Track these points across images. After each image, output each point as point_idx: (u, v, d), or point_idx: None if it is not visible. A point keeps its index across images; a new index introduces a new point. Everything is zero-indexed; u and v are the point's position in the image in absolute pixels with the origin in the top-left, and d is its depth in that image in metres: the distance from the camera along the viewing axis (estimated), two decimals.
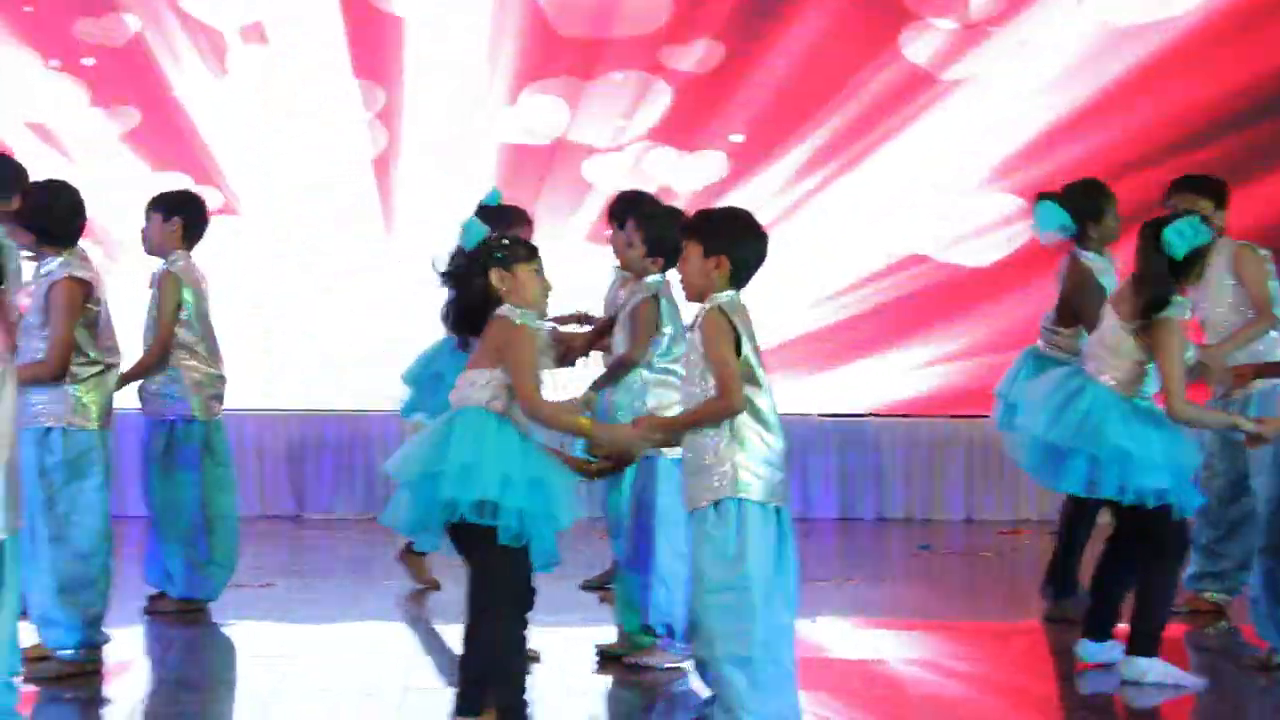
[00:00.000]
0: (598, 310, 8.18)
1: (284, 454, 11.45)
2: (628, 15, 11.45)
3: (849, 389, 11.74)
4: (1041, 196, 8.07)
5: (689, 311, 6.08)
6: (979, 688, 7.23)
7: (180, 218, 8.16)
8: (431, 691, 6.53)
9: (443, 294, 6.02)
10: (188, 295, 8.14)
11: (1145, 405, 6.94)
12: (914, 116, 11.56)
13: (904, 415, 11.77)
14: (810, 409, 11.53)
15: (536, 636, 6.15)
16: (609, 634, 7.42)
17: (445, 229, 6.20)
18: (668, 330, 7.10)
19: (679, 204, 9.26)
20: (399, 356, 8.42)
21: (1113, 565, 7.25)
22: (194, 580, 8.22)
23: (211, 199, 9.93)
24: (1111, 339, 6.97)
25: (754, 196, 11.10)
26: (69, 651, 6.98)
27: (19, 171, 7.89)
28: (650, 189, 8.70)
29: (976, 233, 11.77)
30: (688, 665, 6.34)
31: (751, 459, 5.71)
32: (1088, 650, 7.29)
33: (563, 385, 6.70)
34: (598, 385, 7.12)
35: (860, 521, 11.61)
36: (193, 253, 8.24)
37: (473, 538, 5.82)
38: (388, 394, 8.57)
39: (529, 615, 5.95)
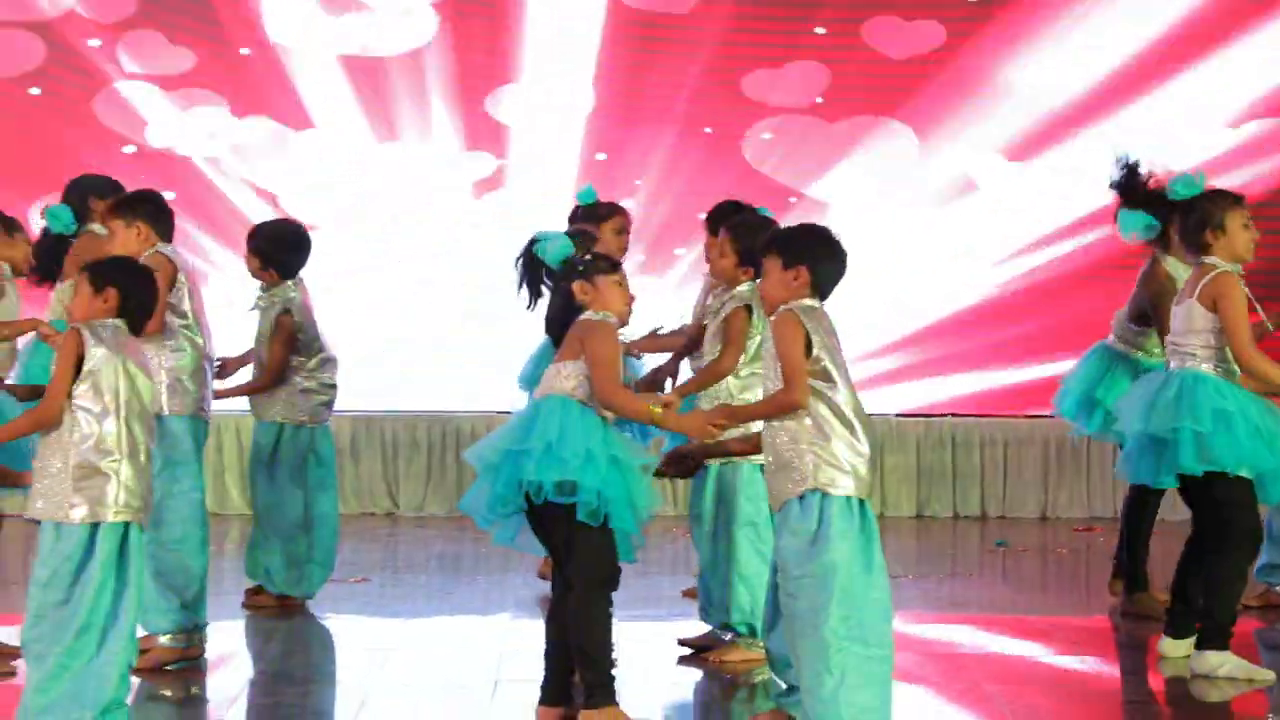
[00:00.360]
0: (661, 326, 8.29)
1: (378, 454, 11.72)
2: None
3: (927, 390, 11.89)
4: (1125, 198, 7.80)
5: None
6: (1053, 682, 7.22)
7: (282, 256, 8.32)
8: (522, 683, 6.57)
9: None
10: (298, 318, 8.31)
11: (1233, 383, 6.89)
12: None
13: (980, 415, 11.92)
14: (889, 409, 11.71)
15: (618, 629, 6.20)
16: (692, 629, 7.51)
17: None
18: (757, 338, 7.08)
19: None
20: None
21: (1194, 566, 7.20)
22: (292, 578, 8.36)
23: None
24: (1183, 321, 6.97)
25: None
26: (166, 638, 7.09)
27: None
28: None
29: (1057, 234, 11.91)
30: (766, 662, 6.39)
31: (834, 455, 5.69)
32: (1169, 647, 7.28)
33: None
34: (684, 390, 7.05)
35: (936, 519, 11.80)
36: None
37: (554, 518, 5.95)
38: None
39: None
